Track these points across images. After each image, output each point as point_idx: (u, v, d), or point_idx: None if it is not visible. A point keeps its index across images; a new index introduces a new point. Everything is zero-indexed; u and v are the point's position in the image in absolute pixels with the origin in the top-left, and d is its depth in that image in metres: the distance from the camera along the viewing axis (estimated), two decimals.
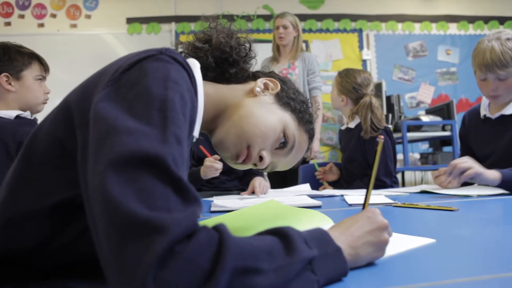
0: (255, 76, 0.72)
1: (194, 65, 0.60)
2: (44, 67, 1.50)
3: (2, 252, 0.47)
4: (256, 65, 0.75)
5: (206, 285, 0.29)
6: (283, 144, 0.67)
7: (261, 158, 0.66)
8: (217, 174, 1.52)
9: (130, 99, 0.41)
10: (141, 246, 0.30)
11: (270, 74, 0.73)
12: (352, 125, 1.87)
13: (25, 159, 0.49)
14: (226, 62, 0.68)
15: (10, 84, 1.41)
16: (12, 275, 0.47)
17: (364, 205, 0.55)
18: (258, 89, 0.67)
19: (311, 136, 0.73)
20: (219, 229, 0.34)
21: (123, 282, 0.30)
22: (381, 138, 0.53)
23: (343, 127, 1.99)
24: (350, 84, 1.84)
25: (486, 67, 1.43)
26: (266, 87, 0.69)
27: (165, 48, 0.49)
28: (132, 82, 0.43)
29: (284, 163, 0.72)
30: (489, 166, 1.59)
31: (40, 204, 0.46)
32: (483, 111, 1.60)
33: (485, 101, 1.61)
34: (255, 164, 0.68)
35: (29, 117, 1.44)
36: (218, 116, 0.66)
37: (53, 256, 0.48)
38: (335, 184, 1.98)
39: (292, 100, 0.69)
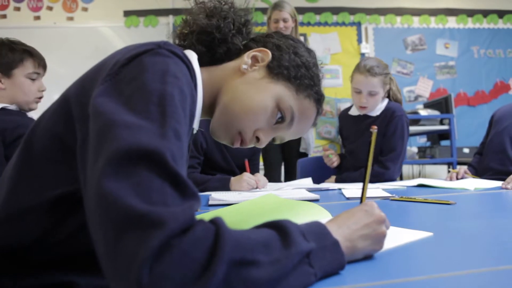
0: (247, 47, 0.67)
1: (192, 56, 0.59)
2: (39, 64, 1.46)
3: (1, 246, 0.47)
4: None
5: (203, 277, 0.29)
6: (281, 118, 0.64)
7: (258, 139, 0.65)
8: (248, 189, 1.46)
9: (129, 94, 0.41)
10: (138, 240, 0.30)
11: (266, 40, 0.67)
12: (375, 113, 1.77)
13: (24, 153, 0.49)
14: (213, 43, 0.65)
15: (0, 81, 1.40)
16: (11, 268, 0.47)
17: (361, 198, 0.55)
18: (244, 66, 0.63)
19: (317, 100, 0.67)
20: (215, 222, 0.34)
21: (119, 275, 0.30)
22: (374, 128, 0.52)
23: (352, 113, 1.86)
24: (387, 73, 1.74)
25: None
26: (255, 59, 0.64)
27: (163, 41, 0.48)
28: (131, 77, 0.43)
29: (291, 134, 0.68)
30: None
31: (40, 198, 0.46)
32: None
33: None
34: (254, 144, 0.66)
35: (16, 109, 1.42)
36: (214, 101, 0.64)
37: (52, 250, 0.48)
38: (339, 170, 1.94)
39: (286, 68, 0.63)
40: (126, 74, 0.43)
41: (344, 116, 1.97)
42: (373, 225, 0.47)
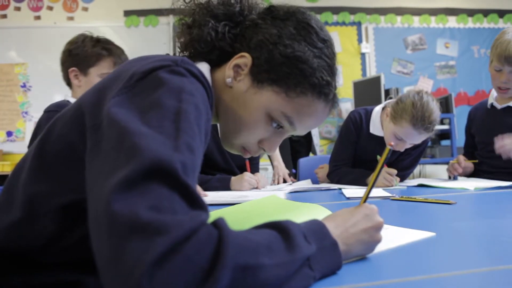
0: (235, 49, 0.61)
1: (204, 69, 0.59)
2: (116, 64, 1.43)
3: (12, 247, 0.47)
4: None
5: (206, 284, 0.29)
6: (278, 126, 0.60)
7: (264, 149, 0.64)
8: (249, 189, 1.46)
9: (144, 109, 0.41)
10: (142, 246, 0.29)
11: (252, 34, 0.59)
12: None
13: (39, 159, 0.49)
14: (203, 52, 0.62)
15: (77, 78, 1.40)
16: (21, 267, 0.47)
17: (362, 199, 0.54)
18: (228, 80, 0.60)
19: (318, 92, 0.58)
20: (218, 225, 0.34)
21: (121, 282, 0.29)
22: (390, 145, 0.51)
23: (377, 133, 1.63)
24: None
25: (505, 58, 1.42)
26: (239, 66, 0.59)
27: (180, 58, 0.48)
28: (146, 92, 0.43)
29: (302, 131, 0.63)
30: (485, 156, 1.63)
31: (51, 204, 0.46)
32: (491, 100, 1.64)
33: (494, 92, 1.66)
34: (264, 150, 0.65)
35: None
36: (216, 110, 0.64)
37: (61, 253, 0.48)
38: None
39: (266, 71, 0.57)
40: (141, 89, 0.43)
41: (363, 133, 1.67)
42: (371, 231, 0.47)
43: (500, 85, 1.49)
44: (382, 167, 0.53)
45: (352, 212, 0.49)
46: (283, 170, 1.89)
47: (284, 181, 1.86)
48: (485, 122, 1.66)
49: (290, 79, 0.57)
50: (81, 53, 1.39)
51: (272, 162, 1.95)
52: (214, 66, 0.62)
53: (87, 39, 1.41)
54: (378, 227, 0.48)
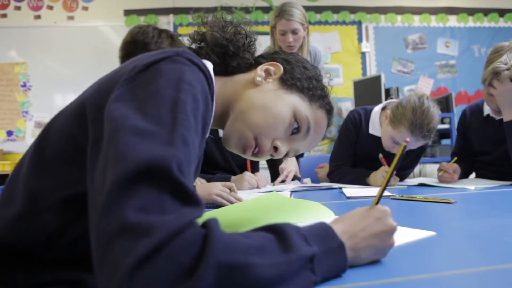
0: (257, 62, 0.68)
1: (208, 65, 0.60)
2: None
3: (14, 244, 0.48)
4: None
5: (189, 282, 0.29)
6: (297, 129, 0.64)
7: (276, 149, 0.63)
8: (249, 188, 1.45)
9: (142, 99, 0.42)
10: (125, 248, 0.30)
11: (274, 56, 0.69)
12: None
13: (39, 154, 0.49)
14: (226, 55, 0.66)
15: None
16: (23, 264, 0.47)
17: (375, 200, 0.49)
18: (258, 78, 0.64)
19: (328, 110, 0.68)
20: (207, 226, 0.34)
21: (106, 282, 0.31)
22: (406, 141, 0.48)
23: (375, 134, 1.61)
24: None
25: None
26: (268, 72, 0.65)
27: (182, 49, 0.49)
28: (146, 83, 0.44)
29: (305, 146, 0.68)
30: (486, 162, 1.60)
31: (52, 198, 0.46)
32: (486, 111, 1.58)
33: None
34: (271, 155, 0.65)
35: None
36: (226, 112, 0.64)
37: (63, 250, 0.48)
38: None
39: (298, 80, 0.65)
40: (142, 80, 0.44)
41: (363, 132, 1.66)
42: (383, 235, 0.44)
43: (493, 108, 1.45)
44: (397, 164, 0.49)
45: (363, 215, 0.46)
46: (295, 165, 1.80)
47: (294, 179, 1.78)
48: (485, 132, 1.59)
49: (315, 92, 0.66)
50: (159, 49, 1.33)
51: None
52: (230, 72, 0.67)
53: (163, 34, 1.35)
54: (390, 232, 0.45)
